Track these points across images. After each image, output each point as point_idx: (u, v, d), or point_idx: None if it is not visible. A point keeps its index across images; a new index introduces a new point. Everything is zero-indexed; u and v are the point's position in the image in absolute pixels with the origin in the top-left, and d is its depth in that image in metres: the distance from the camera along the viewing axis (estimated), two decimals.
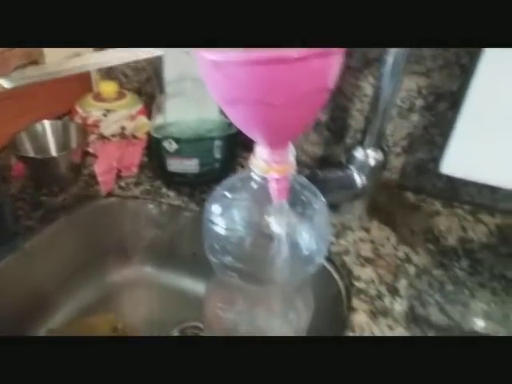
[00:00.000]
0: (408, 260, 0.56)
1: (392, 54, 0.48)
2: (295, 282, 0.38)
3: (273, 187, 0.34)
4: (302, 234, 0.36)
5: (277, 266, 0.37)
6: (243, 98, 0.29)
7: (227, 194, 0.37)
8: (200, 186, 0.67)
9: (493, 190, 0.64)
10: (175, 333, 0.66)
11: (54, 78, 0.27)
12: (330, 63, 0.28)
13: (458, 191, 0.67)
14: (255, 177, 0.35)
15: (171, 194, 0.67)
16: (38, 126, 0.67)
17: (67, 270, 0.66)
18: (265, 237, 0.35)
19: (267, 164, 0.34)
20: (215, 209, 0.37)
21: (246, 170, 0.37)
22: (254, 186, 0.36)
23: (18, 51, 0.66)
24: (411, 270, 0.54)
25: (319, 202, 0.38)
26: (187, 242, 0.68)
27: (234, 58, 0.27)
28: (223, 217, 0.36)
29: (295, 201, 0.36)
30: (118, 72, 0.80)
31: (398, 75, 0.50)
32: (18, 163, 0.66)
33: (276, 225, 0.35)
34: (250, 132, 0.32)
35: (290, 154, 0.34)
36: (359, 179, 0.54)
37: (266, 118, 0.30)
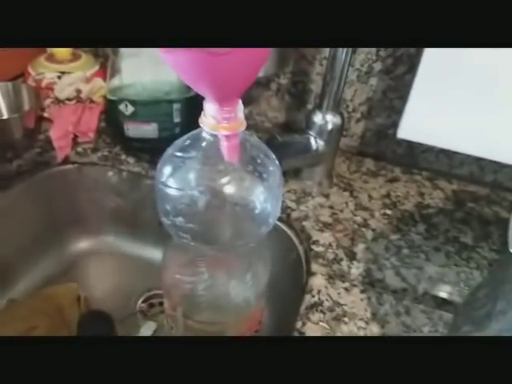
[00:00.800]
0: (365, 225, 0.57)
1: None
2: (249, 243, 0.38)
3: (223, 145, 0.34)
4: (254, 194, 0.36)
5: (229, 227, 0.37)
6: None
7: (178, 153, 0.36)
8: (160, 153, 0.65)
9: (450, 156, 0.66)
10: (140, 300, 0.66)
11: None
12: None
13: (416, 158, 0.68)
14: (205, 135, 0.35)
15: (131, 160, 0.65)
16: None
17: (26, 239, 0.64)
18: (217, 196, 0.35)
19: (216, 121, 0.33)
20: (166, 170, 0.36)
21: (197, 129, 0.36)
22: (205, 144, 0.35)
23: None
24: (368, 234, 0.55)
25: (272, 163, 0.38)
26: (150, 210, 0.66)
27: None
28: (174, 178, 0.36)
29: (247, 160, 0.36)
30: None
31: None
32: None
33: (227, 184, 0.35)
34: (195, 86, 0.31)
35: (239, 110, 0.33)
36: (314, 143, 0.53)
37: (208, 68, 0.29)
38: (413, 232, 0.57)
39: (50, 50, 0.70)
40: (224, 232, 0.37)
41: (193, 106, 0.64)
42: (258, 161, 0.37)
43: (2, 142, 0.62)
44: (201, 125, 0.34)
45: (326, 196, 0.60)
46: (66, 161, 0.64)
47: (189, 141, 0.36)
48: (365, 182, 0.64)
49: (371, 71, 0.62)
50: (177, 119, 0.63)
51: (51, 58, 0.68)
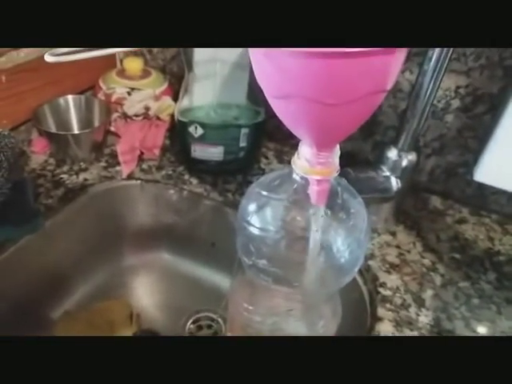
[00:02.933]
0: (434, 269, 0.54)
1: (436, 50, 0.46)
2: (331, 292, 0.37)
3: (313, 189, 0.33)
4: (339, 240, 0.35)
5: (311, 273, 0.36)
6: (295, 94, 0.27)
7: (264, 192, 0.35)
8: (223, 175, 0.66)
9: None
10: (189, 322, 0.65)
11: (91, 56, 0.26)
12: (391, 62, 0.26)
13: (486, 199, 0.65)
14: (295, 176, 0.34)
15: (193, 180, 0.65)
16: (61, 101, 0.65)
17: (85, 251, 0.65)
18: (302, 241, 0.34)
19: (310, 164, 0.32)
20: (251, 208, 0.35)
21: (286, 168, 0.35)
22: (293, 185, 0.34)
23: None
24: (437, 279, 0.53)
25: (358, 205, 0.36)
26: (206, 231, 0.67)
27: (289, 48, 0.25)
28: (258, 216, 0.35)
29: (336, 205, 0.35)
30: (142, 48, 0.78)
31: (440, 73, 0.47)
32: (40, 138, 0.65)
33: (313, 229, 0.34)
34: (297, 130, 0.30)
35: (335, 155, 0.32)
36: (395, 183, 0.52)
37: (317, 117, 0.28)
38: (483, 280, 0.54)
39: (121, 65, 0.71)
40: (307, 279, 0.35)
41: (259, 132, 0.64)
42: (346, 205, 0.35)
43: (71, 155, 0.63)
44: (293, 166, 0.34)
45: (393, 234, 0.58)
46: (130, 176, 0.65)
47: (277, 181, 0.35)
48: (432, 222, 0.61)
49: (448, 108, 0.60)
50: (243, 143, 0.63)
51: (122, 74, 0.69)
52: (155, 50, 0.77)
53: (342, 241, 0.35)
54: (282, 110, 0.29)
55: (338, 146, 0.32)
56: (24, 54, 0.59)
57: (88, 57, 0.26)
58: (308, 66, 0.24)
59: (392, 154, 0.53)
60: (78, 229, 0.63)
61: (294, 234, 0.35)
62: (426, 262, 0.55)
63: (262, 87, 0.28)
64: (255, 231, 0.34)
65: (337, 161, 0.32)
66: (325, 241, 0.34)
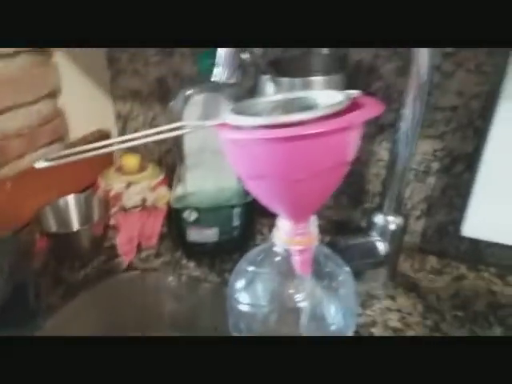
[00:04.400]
0: (437, 329, 0.54)
1: (405, 120, 0.49)
2: None
3: (296, 259, 0.34)
4: (328, 308, 0.35)
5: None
6: (265, 175, 0.29)
7: (250, 267, 0.37)
8: (220, 256, 0.67)
9: None
10: None
11: (85, 157, 0.29)
12: (349, 137, 0.29)
13: (482, 253, 0.65)
14: (277, 249, 0.35)
15: (191, 265, 0.66)
16: (61, 201, 0.68)
17: None
18: (290, 312, 0.35)
19: (290, 236, 0.34)
20: (238, 285, 0.36)
21: (268, 241, 0.37)
22: (277, 258, 0.36)
23: (47, 129, 0.69)
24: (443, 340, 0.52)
25: (344, 273, 0.37)
26: (208, 315, 0.66)
27: (254, 136, 0.28)
28: (247, 292, 0.36)
29: (320, 273, 0.36)
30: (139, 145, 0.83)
31: (412, 140, 0.51)
32: (42, 238, 0.67)
33: (301, 299, 0.35)
34: (272, 206, 0.33)
35: (313, 225, 0.34)
36: (382, 247, 0.53)
37: (288, 192, 0.30)
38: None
39: (119, 162, 0.76)
40: None
41: (251, 210, 0.66)
42: (331, 272, 0.37)
43: (72, 252, 0.65)
44: (273, 240, 0.35)
45: (393, 298, 0.58)
46: (130, 267, 0.66)
47: (262, 255, 0.37)
48: (431, 282, 0.61)
49: (429, 170, 0.63)
50: (236, 223, 0.65)
51: (120, 170, 0.74)
52: (150, 144, 0.82)
53: (332, 308, 0.36)
54: (256, 190, 0.32)
55: (314, 217, 0.34)
56: (27, 162, 0.64)
57: (78, 159, 0.30)
58: (272, 150, 0.27)
59: (378, 219, 0.55)
60: (79, 324, 0.63)
61: (284, 307, 0.36)
62: (429, 322, 0.55)
63: (235, 170, 0.31)
64: (244, 308, 0.35)
65: (315, 230, 0.34)
66: (314, 310, 0.35)
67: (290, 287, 0.35)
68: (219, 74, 0.48)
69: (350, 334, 0.36)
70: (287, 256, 0.35)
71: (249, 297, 0.36)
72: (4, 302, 0.53)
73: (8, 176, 0.63)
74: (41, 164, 0.28)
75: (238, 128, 0.29)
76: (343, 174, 0.32)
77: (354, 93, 0.31)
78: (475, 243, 0.65)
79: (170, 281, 0.67)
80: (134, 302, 0.69)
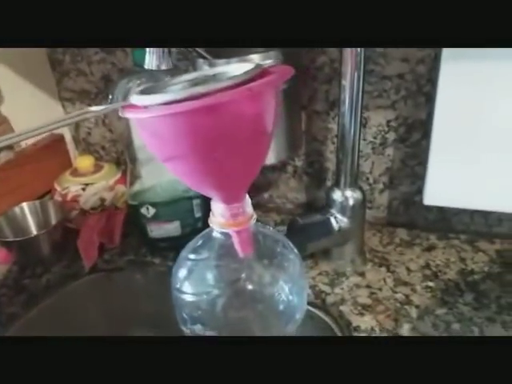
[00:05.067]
0: (408, 302, 0.53)
1: (347, 92, 0.48)
2: None
3: (235, 241, 0.33)
4: (275, 289, 0.34)
5: (253, 328, 0.35)
6: (177, 155, 0.28)
7: (191, 256, 0.35)
8: None
9: (485, 215, 0.62)
10: None
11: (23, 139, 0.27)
12: (258, 105, 0.27)
13: (450, 221, 0.64)
14: (216, 234, 0.34)
15: (156, 260, 0.64)
16: (17, 210, 0.66)
17: None
18: (236, 296, 0.33)
19: (225, 218, 0.32)
20: (180, 274, 0.35)
21: (207, 228, 0.35)
22: (217, 243, 0.34)
23: None
24: (413, 312, 0.51)
25: (290, 252, 0.36)
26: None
27: (151, 113, 0.26)
28: (190, 282, 0.34)
29: (262, 253, 0.34)
30: (95, 145, 0.81)
31: (357, 111, 0.49)
32: (1, 249, 0.65)
33: (246, 281, 0.33)
34: (199, 188, 0.31)
35: (247, 205, 0.32)
36: (335, 222, 0.51)
37: (208, 173, 0.28)
38: (460, 303, 0.52)
39: (74, 165, 0.74)
40: (249, 334, 0.34)
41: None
42: (275, 252, 0.35)
43: (32, 258, 0.63)
44: (210, 224, 0.34)
45: (361, 274, 0.57)
46: (94, 269, 0.64)
47: (200, 241, 0.35)
48: (400, 254, 0.60)
49: (385, 142, 0.61)
50: (198, 214, 0.63)
51: (75, 173, 0.71)
52: (107, 144, 0.80)
53: (279, 287, 0.34)
54: (176, 172, 0.30)
55: (247, 196, 0.32)
56: None
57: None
58: (174, 127, 0.25)
59: (337, 195, 0.54)
60: (44, 332, 0.61)
61: (227, 292, 0.34)
62: (399, 296, 0.53)
63: (152, 153, 0.29)
64: (187, 297, 0.34)
65: (249, 209, 0.32)
66: (258, 291, 0.33)
67: (233, 270, 0.34)
68: (150, 60, 0.46)
69: (302, 312, 0.35)
70: (226, 239, 0.33)
71: (191, 286, 0.34)
72: None
73: None
74: None
75: (144, 108, 0.27)
76: (267, 147, 0.30)
77: (268, 63, 0.29)
78: (443, 212, 0.64)
79: (137, 279, 0.65)
80: (102, 304, 0.67)
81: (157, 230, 0.63)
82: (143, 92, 0.29)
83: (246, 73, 0.27)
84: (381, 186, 0.65)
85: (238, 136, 0.27)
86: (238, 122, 0.26)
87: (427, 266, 0.58)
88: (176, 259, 0.63)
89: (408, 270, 0.58)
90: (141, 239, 0.67)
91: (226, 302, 0.33)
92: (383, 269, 0.58)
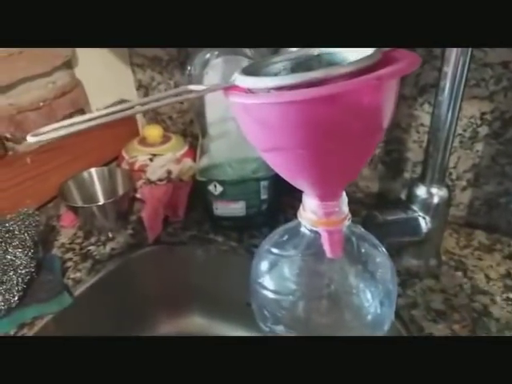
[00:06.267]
0: (487, 313, 0.49)
1: (448, 79, 0.43)
2: None
3: (325, 241, 0.30)
4: (364, 296, 0.31)
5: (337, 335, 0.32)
6: (283, 147, 0.25)
7: (274, 250, 0.33)
8: (248, 230, 0.64)
9: None
10: None
11: (99, 124, 0.25)
12: (381, 97, 0.24)
13: None
14: (304, 230, 0.31)
15: (219, 238, 0.63)
16: (85, 174, 0.67)
17: (116, 322, 0.64)
18: (321, 300, 0.31)
19: (317, 216, 0.29)
20: (262, 267, 0.33)
21: (294, 220, 0.33)
22: (304, 240, 0.31)
23: (65, 101, 0.67)
24: (492, 325, 0.47)
25: (381, 255, 0.33)
26: (238, 290, 0.63)
27: (263, 99, 0.23)
28: (272, 278, 0.32)
29: (352, 255, 0.32)
30: (163, 115, 0.80)
31: (457, 102, 0.44)
32: (67, 213, 0.66)
33: (333, 285, 0.31)
34: (294, 182, 0.29)
35: (343, 204, 0.30)
36: (424, 224, 0.48)
37: (311, 167, 0.26)
38: None
39: (142, 134, 0.73)
40: None
41: (279, 182, 0.62)
42: (367, 255, 0.32)
43: (97, 226, 0.64)
44: (299, 219, 0.31)
45: (436, 277, 0.53)
46: (157, 241, 0.64)
47: (286, 236, 0.33)
48: (479, 259, 0.56)
49: (476, 136, 0.56)
50: (264, 196, 0.61)
51: (143, 142, 0.71)
52: (175, 115, 0.78)
53: (370, 293, 0.32)
54: (274, 163, 0.27)
55: (344, 194, 0.30)
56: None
57: (70, 132, 0.26)
58: (284, 116, 0.22)
59: (421, 191, 0.50)
60: (107, 299, 0.62)
61: (313, 294, 0.32)
62: (477, 305, 0.49)
63: (251, 142, 0.27)
64: (268, 294, 0.32)
65: (345, 209, 0.30)
66: (349, 295, 0.31)
67: (320, 272, 0.31)
68: None
69: (390, 323, 0.32)
70: (315, 237, 0.31)
71: (274, 283, 0.32)
72: (30, 277, 0.52)
73: (28, 151, 0.61)
74: (31, 139, 0.25)
75: (249, 92, 0.25)
76: (377, 143, 0.27)
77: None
78: None
79: (198, 254, 0.65)
80: (161, 276, 0.67)
81: (222, 209, 0.62)
82: (246, 72, 0.27)
83: (369, 57, 0.23)
84: (464, 183, 0.60)
85: (354, 129, 0.24)
86: (356, 114, 0.23)
87: (508, 275, 0.54)
88: (239, 239, 0.62)
89: (487, 277, 0.53)
90: (205, 215, 0.66)
91: (310, 306, 0.31)
92: (459, 273, 0.54)
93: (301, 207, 0.31)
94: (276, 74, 0.30)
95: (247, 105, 0.24)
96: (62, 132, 0.26)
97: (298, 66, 0.30)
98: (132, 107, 0.26)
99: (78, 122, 0.26)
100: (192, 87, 0.26)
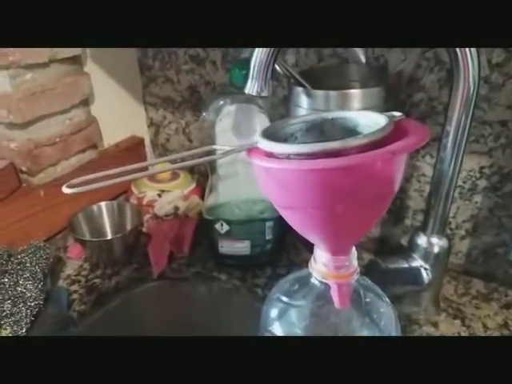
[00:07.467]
0: None
1: (451, 137, 0.46)
2: None
3: (334, 293, 0.32)
4: None
5: None
6: (298, 205, 0.27)
7: (284, 298, 0.34)
8: (251, 269, 0.65)
9: None
10: None
11: (111, 184, 0.27)
12: (394, 167, 0.26)
13: None
14: (314, 281, 0.33)
15: (223, 276, 0.65)
16: (95, 208, 0.68)
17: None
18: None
19: (328, 269, 0.31)
20: (272, 315, 0.34)
21: (304, 270, 0.34)
22: (313, 289, 0.33)
23: (80, 137, 0.69)
24: None
25: (385, 306, 0.35)
26: (238, 328, 0.65)
27: (285, 165, 0.26)
28: (281, 325, 0.34)
29: (359, 305, 0.33)
30: (172, 152, 0.82)
31: (458, 157, 0.47)
32: (75, 244, 0.67)
33: (338, 333, 0.32)
34: (308, 236, 0.30)
35: (353, 258, 0.31)
36: (426, 274, 0.49)
37: (325, 225, 0.28)
38: None
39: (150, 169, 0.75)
40: None
41: (284, 223, 0.63)
42: (371, 305, 0.34)
43: (104, 259, 0.65)
44: (310, 270, 0.33)
45: (435, 325, 0.54)
46: (161, 276, 0.65)
47: (297, 285, 0.34)
48: (477, 308, 0.57)
49: (475, 188, 0.58)
50: (269, 236, 0.63)
51: (152, 178, 0.73)
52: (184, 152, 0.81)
53: None
54: (290, 219, 0.29)
55: (354, 249, 0.31)
56: (61, 169, 0.64)
57: (104, 186, 0.28)
58: (304, 180, 0.25)
59: (422, 241, 0.52)
60: (110, 333, 0.62)
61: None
62: None
63: (268, 198, 0.29)
64: None
65: (355, 263, 0.32)
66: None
67: (328, 321, 0.33)
68: (252, 86, 0.46)
69: None
70: (324, 288, 0.32)
71: (283, 329, 0.33)
72: (38, 308, 0.53)
73: (41, 184, 0.63)
74: (67, 190, 0.27)
75: (269, 154, 0.27)
76: (387, 206, 0.29)
77: (397, 115, 0.28)
78: None
79: (200, 291, 0.66)
80: (163, 311, 0.68)
81: (227, 247, 0.63)
82: (266, 133, 0.29)
83: (382, 129, 0.26)
84: (463, 232, 0.62)
85: (365, 194, 0.26)
86: (370, 182, 0.25)
87: (505, 325, 0.55)
88: (242, 278, 0.63)
89: (485, 326, 0.55)
90: (209, 252, 0.67)
91: None
92: (458, 321, 0.55)
93: (312, 259, 0.32)
94: (292, 135, 0.32)
95: (269, 168, 0.26)
96: (95, 185, 0.28)
97: (313, 128, 0.32)
98: (155, 164, 0.28)
99: (110, 175, 0.28)
100: (217, 147, 0.28)
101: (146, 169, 0.57)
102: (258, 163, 0.27)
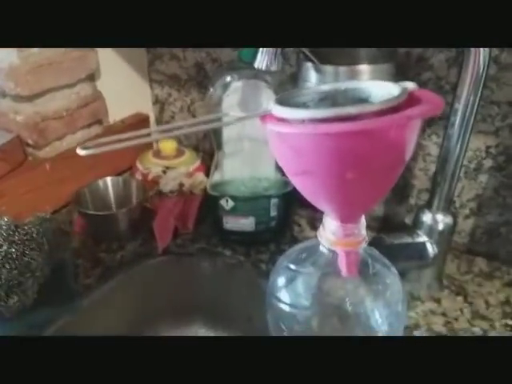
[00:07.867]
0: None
1: (459, 115, 0.46)
2: None
3: (342, 260, 0.32)
4: (375, 313, 0.33)
5: None
6: (313, 171, 0.27)
7: (292, 266, 0.35)
8: (256, 245, 0.66)
9: None
10: None
11: (123, 146, 0.27)
12: (406, 134, 0.26)
13: None
14: (322, 248, 0.33)
15: (227, 252, 0.65)
16: (100, 183, 0.69)
17: (123, 328, 0.65)
18: (335, 317, 0.32)
19: (336, 237, 0.32)
20: (279, 282, 0.35)
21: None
22: (321, 257, 0.33)
23: (86, 111, 0.69)
24: None
25: (392, 276, 0.35)
26: (242, 304, 0.65)
27: (301, 129, 0.26)
28: (288, 292, 0.34)
29: (367, 275, 0.34)
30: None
31: (465, 136, 0.47)
32: (80, 219, 0.68)
33: (348, 303, 0.33)
34: (318, 204, 0.31)
35: (362, 226, 0.32)
36: (431, 249, 0.50)
37: (337, 192, 0.28)
38: None
39: (156, 146, 0.75)
40: None
41: (289, 200, 0.64)
42: (378, 276, 0.34)
43: (109, 234, 0.65)
44: (319, 238, 0.33)
45: (437, 301, 0.55)
46: (165, 251, 0.66)
47: (305, 254, 0.35)
48: (479, 285, 0.58)
49: (480, 168, 0.59)
50: (273, 213, 0.63)
51: (157, 154, 0.73)
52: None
53: (380, 313, 0.34)
54: (301, 186, 0.29)
55: (363, 217, 0.32)
56: (66, 144, 0.64)
57: (116, 148, 0.28)
58: (318, 145, 0.25)
59: (427, 218, 0.52)
60: (115, 306, 0.63)
61: (327, 310, 0.34)
62: (477, 330, 0.51)
63: (280, 164, 0.29)
64: (285, 307, 0.34)
65: (364, 231, 0.32)
66: (361, 314, 0.33)
67: (335, 289, 0.33)
68: (261, 60, 0.46)
69: None
70: (332, 256, 0.33)
71: (290, 296, 0.34)
72: (43, 281, 0.53)
73: (47, 157, 0.63)
74: (81, 152, 0.27)
75: (283, 120, 0.27)
76: (398, 175, 0.29)
77: (410, 85, 0.28)
78: None
79: (205, 267, 0.66)
80: (168, 286, 0.69)
81: (232, 223, 0.64)
82: (279, 101, 0.29)
83: (397, 97, 0.26)
84: (467, 211, 0.62)
85: (378, 161, 0.26)
86: (384, 148, 0.25)
87: (507, 302, 0.56)
88: (246, 253, 0.64)
89: (487, 303, 0.55)
90: (214, 228, 0.68)
91: (323, 322, 0.33)
92: (460, 298, 0.56)
93: (320, 227, 0.33)
94: (304, 104, 0.32)
95: (283, 133, 0.26)
96: (108, 148, 0.28)
97: (325, 99, 0.32)
98: (172, 129, 0.28)
99: (123, 139, 0.28)
100: (231, 113, 0.29)
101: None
102: (272, 128, 0.27)
